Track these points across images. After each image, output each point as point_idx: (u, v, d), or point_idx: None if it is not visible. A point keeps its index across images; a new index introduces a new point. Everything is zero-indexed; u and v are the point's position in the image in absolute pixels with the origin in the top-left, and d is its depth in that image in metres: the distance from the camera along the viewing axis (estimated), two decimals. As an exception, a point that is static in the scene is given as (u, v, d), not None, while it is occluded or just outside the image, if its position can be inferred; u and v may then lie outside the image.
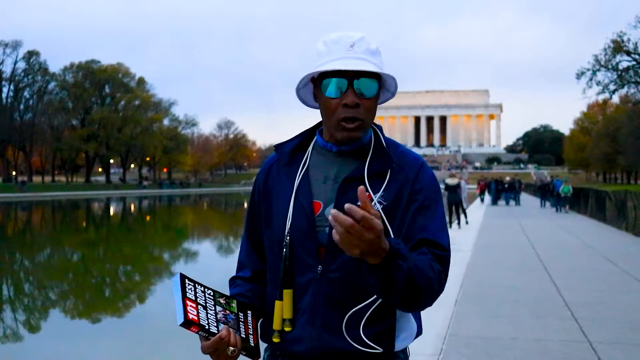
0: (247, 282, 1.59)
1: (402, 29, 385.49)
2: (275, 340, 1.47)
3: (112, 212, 41.60)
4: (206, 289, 1.39)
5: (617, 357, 4.56)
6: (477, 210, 27.47)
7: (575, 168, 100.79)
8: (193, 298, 1.34)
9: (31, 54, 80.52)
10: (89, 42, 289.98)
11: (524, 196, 35.88)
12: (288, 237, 1.45)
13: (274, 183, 1.55)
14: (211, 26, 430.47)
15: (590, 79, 49.03)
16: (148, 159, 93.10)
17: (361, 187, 1.17)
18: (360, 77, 1.41)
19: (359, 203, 1.16)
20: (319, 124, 1.57)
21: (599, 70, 48.93)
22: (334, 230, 1.16)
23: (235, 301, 1.44)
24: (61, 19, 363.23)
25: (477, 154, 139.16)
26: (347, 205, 1.14)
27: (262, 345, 1.51)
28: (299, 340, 1.44)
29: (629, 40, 48.16)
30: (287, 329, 1.44)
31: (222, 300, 1.40)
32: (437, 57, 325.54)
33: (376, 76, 1.45)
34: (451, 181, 17.88)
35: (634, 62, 49.34)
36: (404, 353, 1.51)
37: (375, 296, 1.39)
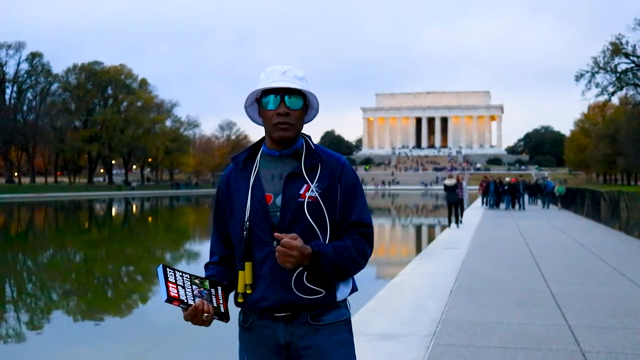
0: (217, 265, 2.08)
1: (404, 29, 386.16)
2: (240, 300, 1.98)
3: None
4: (184, 274, 1.87)
5: (592, 338, 5.05)
6: (476, 211, 27.94)
7: (576, 169, 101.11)
8: (174, 281, 1.83)
9: (34, 55, 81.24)
10: (92, 43, 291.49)
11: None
12: (248, 223, 1.95)
13: (233, 186, 2.04)
14: (213, 27, 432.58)
15: (589, 81, 49.43)
16: (150, 160, 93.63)
17: (276, 234, 1.84)
18: (290, 94, 1.96)
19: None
20: (262, 139, 2.08)
21: (597, 72, 49.29)
22: (276, 252, 1.83)
23: (207, 280, 1.92)
24: (64, 20, 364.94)
25: (478, 155, 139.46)
26: (283, 241, 1.81)
27: (235, 310, 2.05)
28: (264, 299, 1.94)
29: (627, 42, 48.65)
30: (248, 291, 1.95)
31: (197, 281, 1.89)
32: (439, 58, 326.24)
33: (302, 95, 1.98)
34: (449, 182, 18.34)
35: (632, 65, 49.76)
36: (344, 303, 2.03)
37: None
